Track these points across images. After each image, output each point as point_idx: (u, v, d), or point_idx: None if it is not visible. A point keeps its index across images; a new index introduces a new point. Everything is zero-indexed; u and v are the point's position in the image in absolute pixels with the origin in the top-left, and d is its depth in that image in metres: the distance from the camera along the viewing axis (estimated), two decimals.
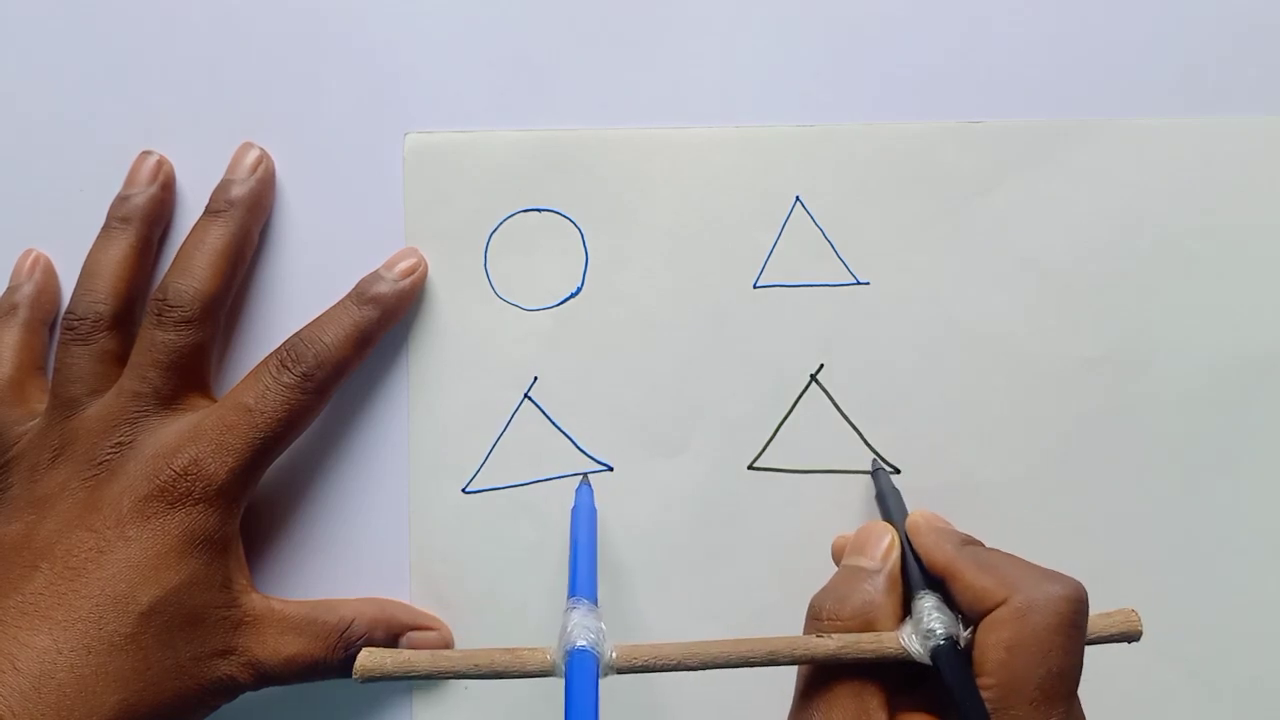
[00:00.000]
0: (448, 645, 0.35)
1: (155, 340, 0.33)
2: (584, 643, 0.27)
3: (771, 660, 0.28)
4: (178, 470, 0.31)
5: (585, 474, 0.35)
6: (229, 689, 0.32)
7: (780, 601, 0.35)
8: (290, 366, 0.33)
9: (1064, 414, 0.35)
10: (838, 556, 0.32)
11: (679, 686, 0.34)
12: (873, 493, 0.34)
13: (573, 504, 0.34)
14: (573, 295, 0.36)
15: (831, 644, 0.28)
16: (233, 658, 0.31)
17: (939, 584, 0.29)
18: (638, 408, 0.35)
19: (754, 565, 0.35)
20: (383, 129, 0.36)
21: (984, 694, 0.26)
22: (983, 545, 0.30)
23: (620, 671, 0.27)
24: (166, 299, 0.33)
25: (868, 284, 0.35)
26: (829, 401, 0.35)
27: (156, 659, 0.30)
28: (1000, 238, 0.35)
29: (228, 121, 0.36)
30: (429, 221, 0.36)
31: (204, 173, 0.36)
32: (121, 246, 0.34)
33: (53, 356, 0.35)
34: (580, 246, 0.36)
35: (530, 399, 0.36)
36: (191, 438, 0.32)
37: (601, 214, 0.36)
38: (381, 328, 0.34)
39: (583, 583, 0.30)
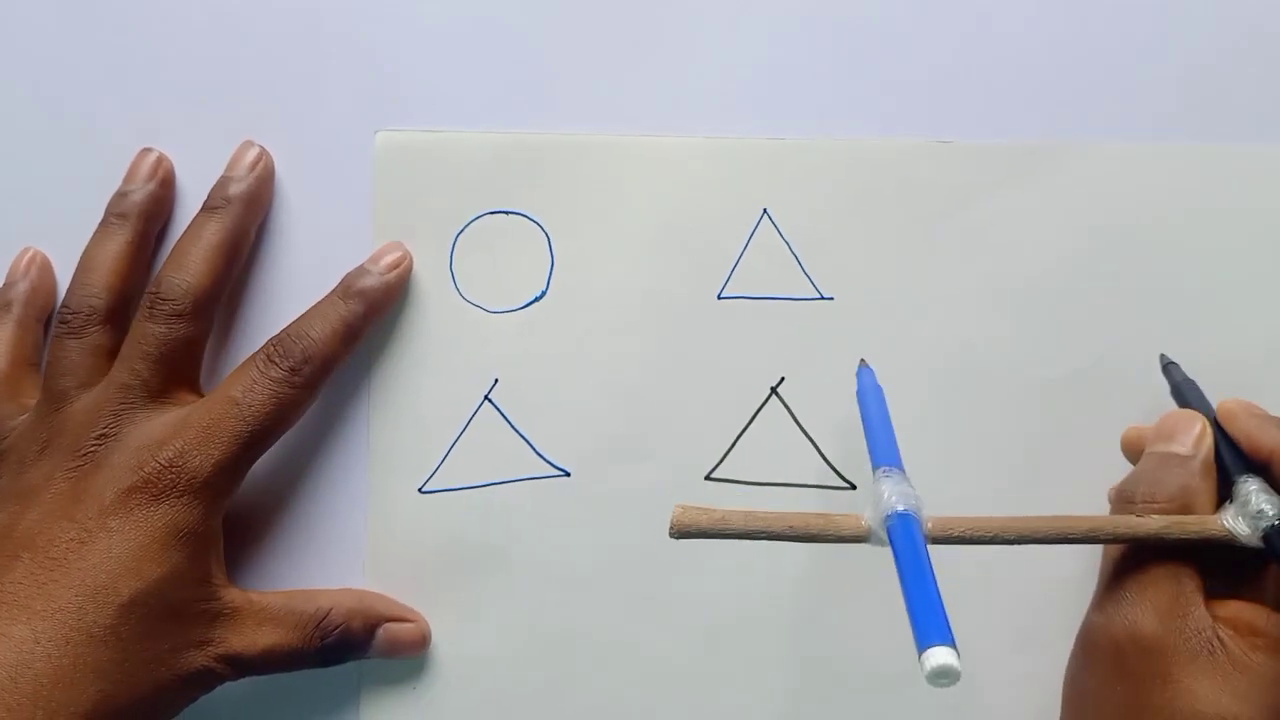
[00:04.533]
0: (425, 637, 0.35)
1: (146, 333, 0.33)
2: (905, 507, 0.27)
3: (1092, 537, 0.28)
4: (162, 463, 0.31)
5: (862, 359, 0.34)
6: (207, 681, 0.32)
7: (737, 612, 0.35)
8: (277, 361, 0.33)
9: (1027, 434, 0.35)
10: (1130, 448, 0.32)
11: None
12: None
13: (856, 387, 0.33)
14: (537, 299, 0.36)
15: (1154, 524, 0.28)
16: (210, 650, 0.31)
17: (1258, 470, 0.29)
18: (597, 413, 0.35)
19: (711, 576, 0.35)
20: (382, 128, 0.36)
21: None
22: None
23: (935, 542, 0.27)
24: (159, 292, 0.33)
25: (832, 299, 0.35)
26: (788, 415, 0.35)
27: (135, 651, 0.30)
28: (967, 258, 0.35)
29: (227, 120, 0.36)
30: (397, 220, 0.36)
31: (204, 172, 0.36)
32: (118, 242, 0.34)
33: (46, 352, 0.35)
34: (546, 250, 0.36)
35: (490, 401, 0.36)
36: (177, 431, 0.32)
37: (568, 218, 0.36)
38: (368, 321, 0.34)
39: (885, 452, 0.30)
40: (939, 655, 0.23)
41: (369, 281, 0.34)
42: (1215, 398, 0.32)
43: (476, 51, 0.36)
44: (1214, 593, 0.29)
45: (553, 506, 0.35)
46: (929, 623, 0.24)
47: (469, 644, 0.35)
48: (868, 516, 0.28)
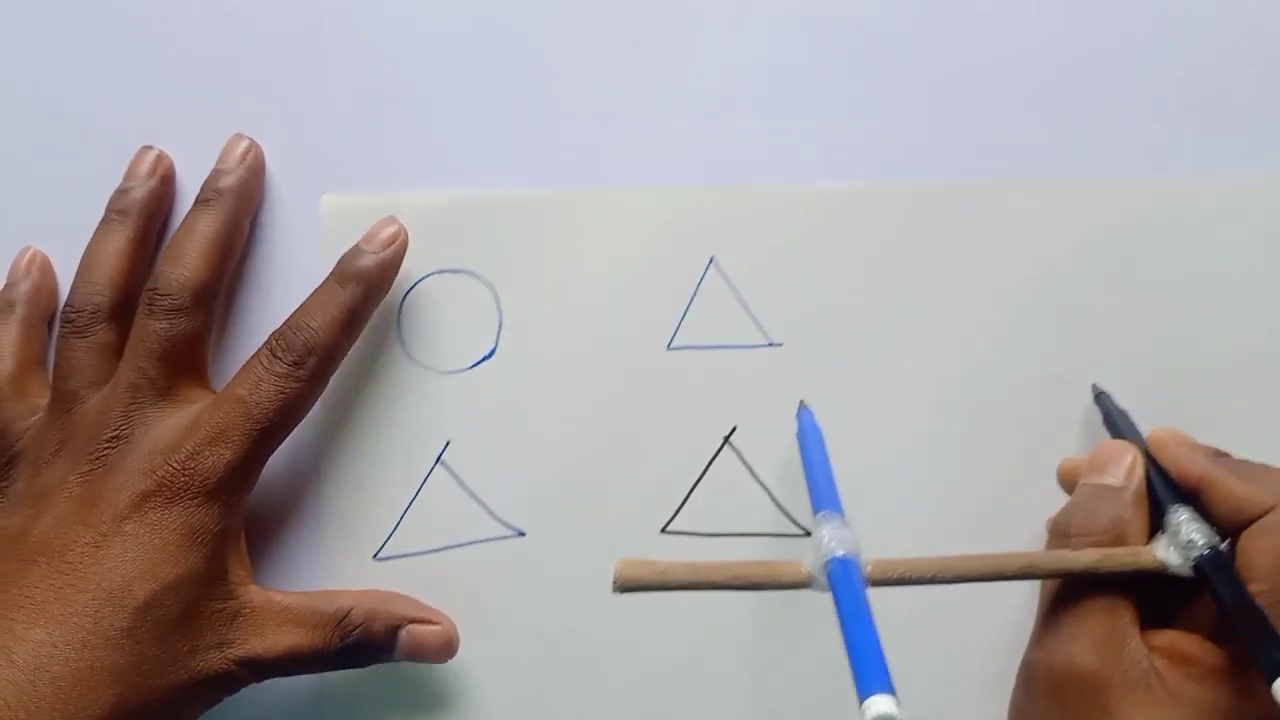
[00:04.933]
0: (451, 641, 0.34)
1: (148, 330, 0.32)
2: (843, 552, 0.27)
3: (1028, 574, 0.29)
4: (175, 466, 0.31)
5: (802, 400, 0.34)
6: (227, 684, 0.31)
7: (694, 664, 0.35)
8: (281, 356, 0.32)
9: (977, 476, 0.35)
10: (1066, 479, 0.33)
11: None
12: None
13: (797, 429, 0.34)
14: (486, 358, 0.35)
15: (1088, 558, 0.28)
16: (229, 651, 0.31)
17: (1188, 498, 0.29)
18: (550, 471, 0.35)
19: (669, 629, 0.35)
20: (383, 128, 0.36)
21: (1256, 600, 0.26)
22: (1232, 457, 0.30)
23: (876, 584, 0.28)
24: (157, 288, 0.33)
25: (781, 345, 0.35)
26: (742, 464, 0.35)
27: (152, 653, 0.30)
28: (913, 298, 0.35)
29: (227, 118, 0.36)
30: None
31: (204, 169, 0.35)
32: (120, 239, 0.34)
33: (52, 352, 0.35)
34: (494, 308, 0.36)
35: (443, 464, 0.35)
36: (188, 433, 0.32)
37: (515, 275, 0.36)
38: (368, 304, 0.34)
39: (825, 496, 0.30)
40: (879, 704, 0.23)
41: (365, 262, 0.34)
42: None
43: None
44: (1151, 622, 0.29)
45: (509, 568, 0.35)
46: (868, 670, 0.24)
47: (432, 708, 0.35)
48: (808, 562, 0.28)
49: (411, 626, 0.33)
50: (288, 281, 0.36)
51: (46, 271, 0.36)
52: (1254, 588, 0.27)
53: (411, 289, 0.36)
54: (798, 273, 0.35)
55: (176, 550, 0.31)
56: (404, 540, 0.35)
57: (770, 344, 0.35)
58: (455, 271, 0.36)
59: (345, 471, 0.35)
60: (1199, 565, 0.28)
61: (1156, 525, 0.30)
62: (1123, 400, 0.34)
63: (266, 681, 0.32)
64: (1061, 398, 0.35)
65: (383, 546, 0.35)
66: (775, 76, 0.36)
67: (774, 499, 0.35)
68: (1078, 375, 0.35)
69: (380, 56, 0.36)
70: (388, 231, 0.34)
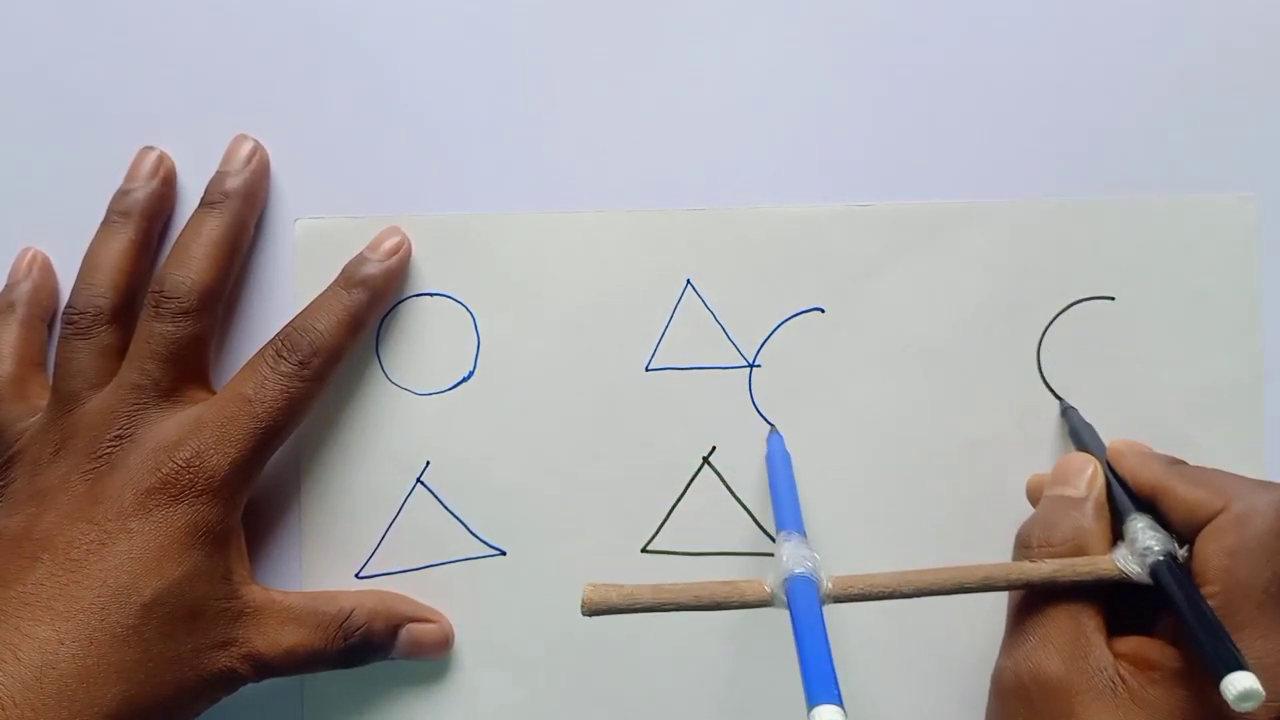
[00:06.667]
0: (448, 638, 0.35)
1: (153, 332, 0.33)
2: (801, 570, 0.28)
3: (987, 586, 0.29)
4: (180, 464, 0.31)
5: (772, 425, 0.35)
6: (229, 681, 0.31)
7: (676, 686, 0.35)
8: (286, 356, 0.33)
9: (954, 496, 0.35)
10: (1034, 495, 0.33)
11: None
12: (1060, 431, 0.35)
13: (765, 452, 0.35)
14: (465, 379, 0.36)
15: (1046, 568, 0.29)
16: (233, 649, 0.31)
17: (1147, 507, 0.30)
18: (531, 491, 0.35)
19: (649, 649, 0.35)
20: (387, 127, 0.36)
21: (1209, 602, 0.27)
22: (1186, 464, 0.31)
23: (836, 600, 0.28)
24: (163, 290, 0.33)
25: (759, 366, 0.35)
26: (721, 484, 0.35)
27: (158, 651, 0.30)
28: (889, 319, 0.35)
29: (227, 119, 0.36)
30: None
31: (205, 170, 0.35)
32: (121, 240, 0.34)
33: (53, 353, 0.35)
34: (472, 330, 0.36)
35: (423, 483, 0.35)
36: (193, 430, 0.32)
37: (494, 297, 0.36)
38: (372, 309, 0.34)
39: (788, 516, 0.31)
40: (825, 713, 0.24)
41: (370, 269, 0.34)
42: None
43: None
44: (1123, 628, 0.29)
45: (490, 586, 0.35)
46: (817, 682, 0.25)
47: None
48: (769, 581, 0.28)
49: (411, 625, 0.34)
50: (287, 281, 0.36)
51: (47, 272, 0.36)
52: (1206, 590, 0.27)
53: (389, 313, 0.36)
54: (774, 295, 0.35)
55: (181, 548, 0.31)
56: (386, 559, 0.35)
57: (749, 364, 0.35)
58: (432, 294, 0.36)
59: (327, 492, 0.35)
60: (1155, 572, 0.28)
61: (1119, 535, 0.30)
62: (1103, 422, 0.34)
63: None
64: (1037, 417, 0.35)
65: (365, 565, 0.35)
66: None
67: (754, 518, 0.35)
68: (1047, 403, 0.35)
69: (382, 58, 0.36)
70: (391, 241, 0.35)
